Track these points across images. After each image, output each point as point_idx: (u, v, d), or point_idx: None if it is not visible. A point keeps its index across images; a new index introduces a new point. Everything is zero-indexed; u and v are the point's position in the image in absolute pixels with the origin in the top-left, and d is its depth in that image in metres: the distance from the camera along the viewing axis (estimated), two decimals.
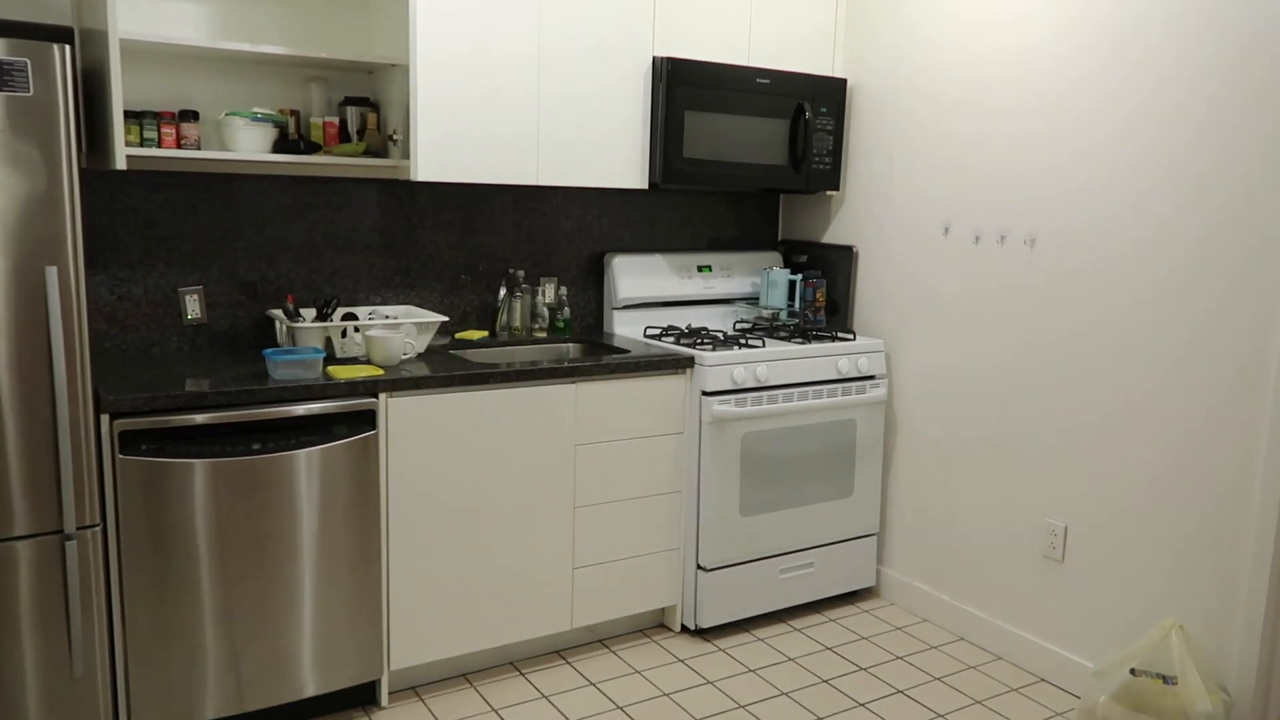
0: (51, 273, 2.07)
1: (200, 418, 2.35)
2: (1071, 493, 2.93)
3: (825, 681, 2.96)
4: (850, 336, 3.47)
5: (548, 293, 3.44)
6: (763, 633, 3.28)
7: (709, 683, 2.94)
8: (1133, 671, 2.55)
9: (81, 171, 2.12)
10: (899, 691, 2.92)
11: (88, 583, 2.22)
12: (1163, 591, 2.71)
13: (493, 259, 3.37)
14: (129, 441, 2.28)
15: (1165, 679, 2.50)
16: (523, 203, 3.39)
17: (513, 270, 3.37)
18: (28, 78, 2.01)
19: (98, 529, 2.23)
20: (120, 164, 2.37)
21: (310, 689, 2.58)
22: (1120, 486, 2.80)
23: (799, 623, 3.37)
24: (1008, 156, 3.05)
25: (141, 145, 2.58)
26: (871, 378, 3.42)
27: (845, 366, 3.34)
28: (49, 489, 2.16)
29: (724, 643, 3.20)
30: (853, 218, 3.64)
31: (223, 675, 2.45)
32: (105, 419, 2.25)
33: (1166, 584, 2.70)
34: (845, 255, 3.65)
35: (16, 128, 2.02)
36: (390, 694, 2.81)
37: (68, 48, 2.06)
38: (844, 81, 3.53)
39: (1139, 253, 2.72)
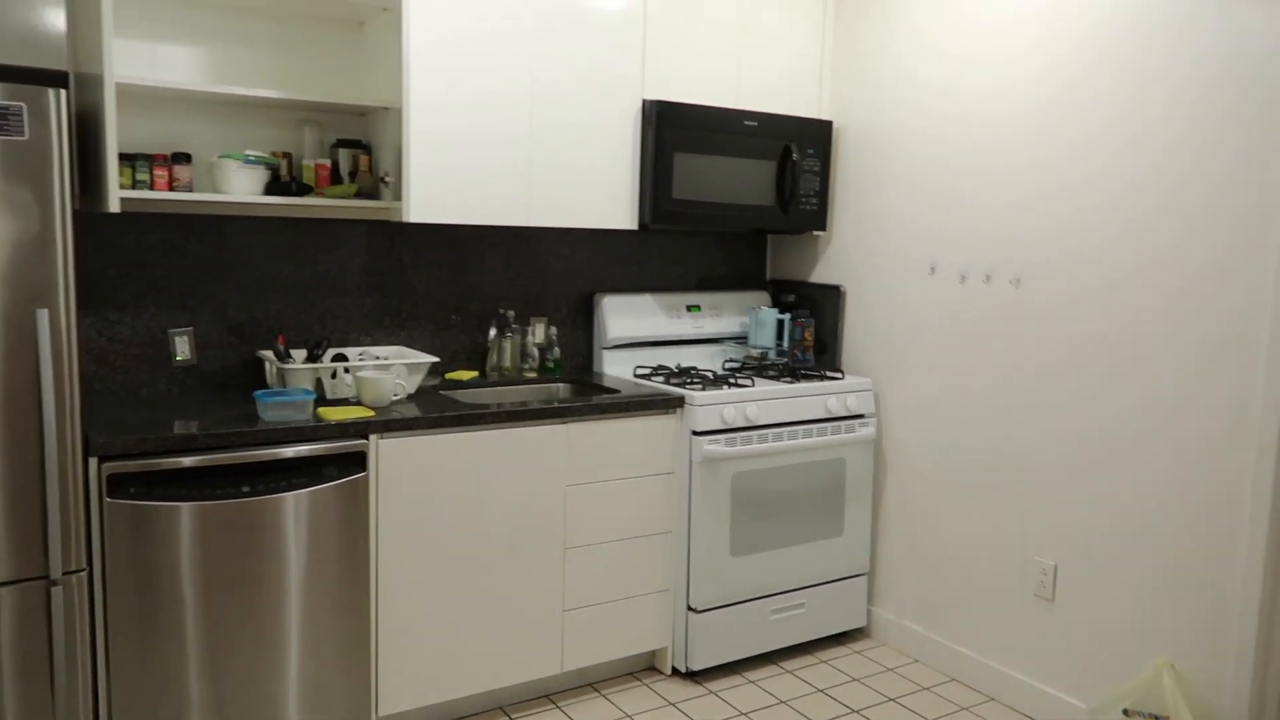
0: (43, 316, 2.07)
1: (189, 460, 2.34)
2: (1060, 530, 2.94)
3: None
4: (839, 375, 3.49)
5: (538, 333, 3.45)
6: (754, 675, 3.26)
7: None
8: (1125, 713, 2.55)
9: (75, 214, 2.13)
10: None
11: (73, 629, 2.19)
12: (1154, 629, 2.71)
13: (483, 299, 3.38)
14: (116, 484, 2.26)
15: (1158, 719, 2.50)
16: (513, 243, 3.41)
17: (503, 310, 3.38)
18: (23, 122, 2.02)
19: (84, 574, 2.21)
20: (113, 207, 2.38)
21: None
22: (1108, 523, 2.81)
23: (790, 664, 3.35)
24: (992, 197, 3.10)
25: (134, 187, 2.58)
26: (860, 416, 3.44)
27: (834, 405, 3.36)
28: (34, 533, 2.13)
29: (715, 685, 3.17)
30: (840, 257, 3.68)
31: None
32: (93, 462, 2.23)
33: (1157, 621, 2.70)
34: (833, 295, 3.68)
35: (10, 172, 2.02)
36: None
37: (63, 92, 2.07)
38: (829, 124, 3.59)
39: (1125, 290, 2.76)
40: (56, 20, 2.28)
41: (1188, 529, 2.63)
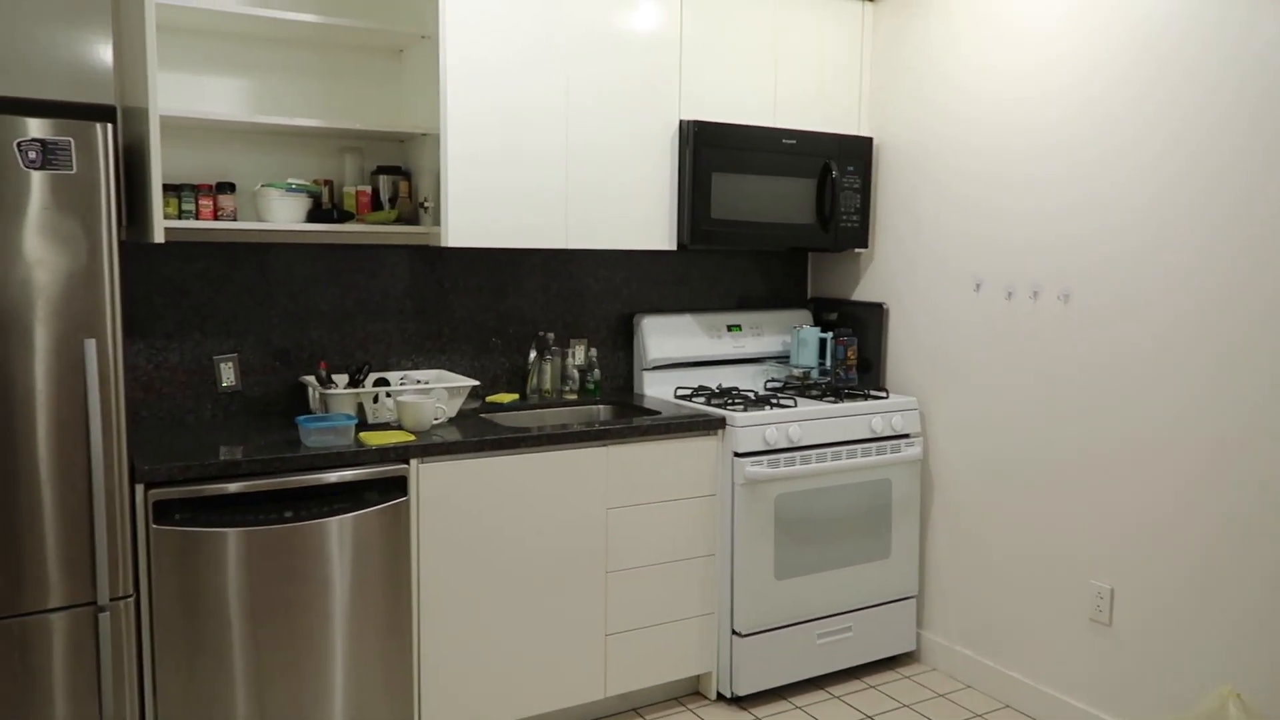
0: (90, 345, 2.10)
1: (233, 486, 2.36)
2: (1117, 553, 2.85)
3: None
4: (883, 394, 3.43)
5: (578, 354, 3.44)
6: (801, 700, 3.20)
7: None
8: None
9: (121, 245, 2.16)
10: None
11: (120, 655, 2.21)
12: (1218, 656, 2.61)
13: (522, 322, 3.38)
14: (162, 511, 2.29)
15: None
16: (551, 266, 3.42)
17: (542, 333, 3.38)
18: (71, 156, 2.06)
19: (130, 600, 2.23)
20: (158, 237, 2.42)
21: None
22: (1169, 546, 2.72)
23: (838, 689, 3.28)
24: (1036, 211, 3.03)
25: (180, 217, 2.63)
26: (906, 436, 3.37)
27: (879, 425, 3.30)
28: (83, 560, 2.16)
29: (761, 711, 3.12)
30: (882, 275, 3.62)
31: None
32: (140, 489, 2.26)
33: (1222, 648, 2.60)
34: (876, 312, 3.63)
35: (59, 204, 2.06)
36: None
37: (110, 126, 2.11)
38: (869, 140, 3.54)
39: (1185, 309, 2.68)
40: (104, 56, 2.33)
41: (1256, 553, 2.53)
